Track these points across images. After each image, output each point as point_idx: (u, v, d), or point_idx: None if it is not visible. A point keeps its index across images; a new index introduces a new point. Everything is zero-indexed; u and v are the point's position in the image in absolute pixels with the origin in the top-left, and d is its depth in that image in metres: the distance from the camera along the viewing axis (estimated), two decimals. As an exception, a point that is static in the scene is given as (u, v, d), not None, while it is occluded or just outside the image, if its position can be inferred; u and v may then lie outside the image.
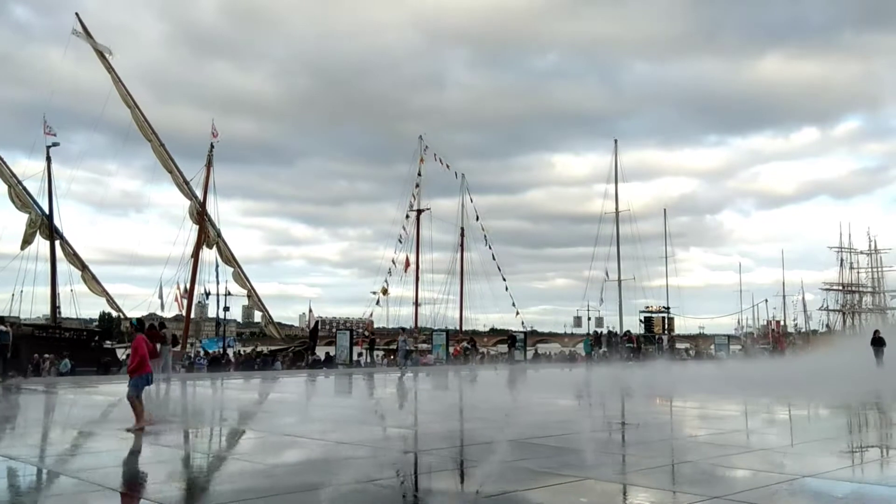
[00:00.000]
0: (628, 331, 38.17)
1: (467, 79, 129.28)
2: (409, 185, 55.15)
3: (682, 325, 61.95)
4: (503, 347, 45.43)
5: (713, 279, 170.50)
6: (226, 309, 37.22)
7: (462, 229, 57.33)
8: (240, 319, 42.60)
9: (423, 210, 55.04)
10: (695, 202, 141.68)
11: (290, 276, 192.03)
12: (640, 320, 54.57)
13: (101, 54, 43.44)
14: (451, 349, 35.09)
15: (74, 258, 41.69)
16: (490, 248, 56.53)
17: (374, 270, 54.92)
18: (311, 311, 45.78)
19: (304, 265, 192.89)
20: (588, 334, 36.82)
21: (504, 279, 56.97)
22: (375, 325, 62.03)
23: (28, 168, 41.88)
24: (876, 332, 28.36)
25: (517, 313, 57.58)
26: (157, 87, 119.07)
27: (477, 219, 57.01)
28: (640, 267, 56.65)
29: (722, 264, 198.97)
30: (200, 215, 45.24)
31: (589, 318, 47.74)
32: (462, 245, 57.31)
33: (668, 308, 56.95)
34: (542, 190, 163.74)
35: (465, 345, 36.35)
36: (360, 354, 33.83)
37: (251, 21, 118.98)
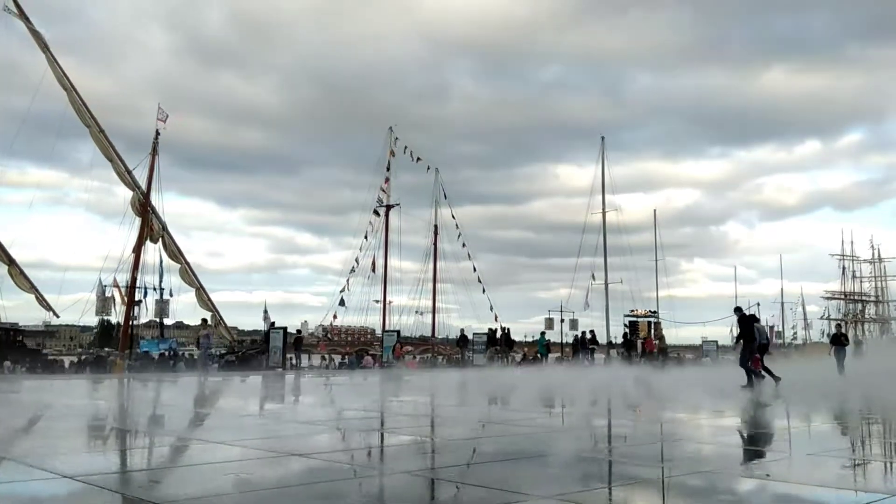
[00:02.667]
0: (592, 331, 34.74)
1: (471, 89, 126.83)
2: (381, 180, 52.14)
3: (676, 335, 59.14)
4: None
5: (717, 290, 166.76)
6: (138, 303, 33.68)
7: (435, 227, 54.25)
8: (152, 316, 38.75)
9: (393, 206, 51.90)
10: (699, 213, 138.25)
11: (296, 284, 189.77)
12: (625, 324, 51.60)
13: (35, 34, 40.34)
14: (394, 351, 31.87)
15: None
16: (464, 245, 53.48)
17: (379, 279, 52.30)
18: (266, 311, 42.21)
19: (310, 274, 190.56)
20: (542, 333, 33.35)
21: (480, 280, 54.06)
22: (378, 332, 59.03)
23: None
24: (838, 327, 24.19)
25: (496, 318, 54.60)
26: (164, 98, 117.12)
27: (453, 217, 54.00)
28: (642, 278, 54.70)
29: (726, 275, 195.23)
30: (143, 206, 41.97)
31: (562, 321, 44.63)
32: (435, 244, 54.20)
33: (655, 312, 53.84)
34: (546, 200, 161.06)
35: (408, 348, 33.00)
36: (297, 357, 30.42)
37: (257, 32, 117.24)
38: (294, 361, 30.24)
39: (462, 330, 34.12)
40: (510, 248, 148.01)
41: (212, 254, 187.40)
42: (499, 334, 32.52)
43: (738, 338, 17.29)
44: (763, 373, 16.46)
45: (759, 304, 67.82)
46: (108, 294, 38.87)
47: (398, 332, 35.32)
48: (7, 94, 41.83)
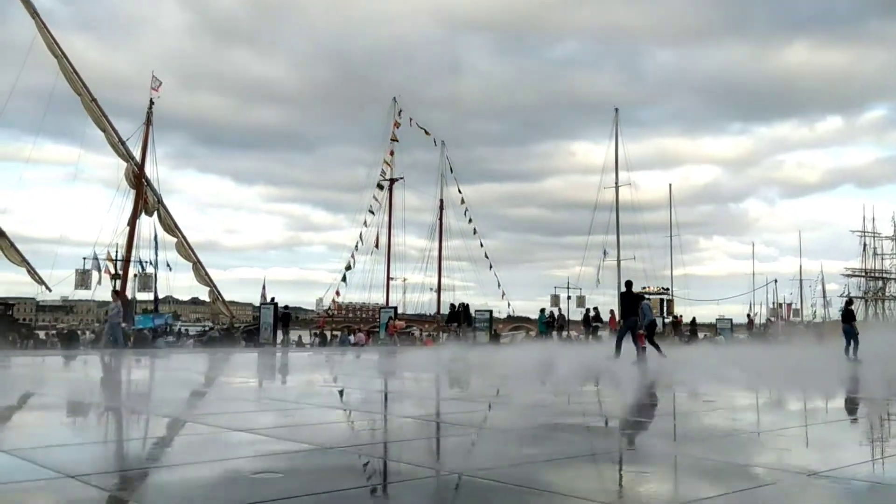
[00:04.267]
0: (595, 308, 33.17)
1: (485, 67, 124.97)
2: (383, 152, 50.52)
3: (691, 313, 57.84)
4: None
5: (736, 268, 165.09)
6: (116, 276, 32.36)
7: (441, 201, 52.83)
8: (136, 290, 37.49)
9: (397, 179, 50.39)
10: (718, 191, 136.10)
11: (312, 261, 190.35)
12: (637, 302, 50.21)
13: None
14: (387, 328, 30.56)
15: (-10, 224, 37.19)
16: (470, 221, 52.05)
17: (394, 257, 51.01)
18: (264, 287, 40.99)
19: (325, 251, 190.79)
20: (542, 310, 31.71)
21: (487, 256, 52.66)
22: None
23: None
24: (848, 301, 22.13)
25: (503, 295, 53.29)
26: (180, 76, 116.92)
27: (459, 191, 52.49)
28: (658, 256, 53.67)
29: (745, 253, 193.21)
30: (138, 178, 40.68)
31: (569, 297, 43.18)
32: (441, 219, 52.79)
33: (667, 289, 52.42)
34: (561, 178, 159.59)
35: (401, 324, 31.57)
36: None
37: (271, 9, 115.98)
38: (282, 338, 28.96)
39: (467, 306, 32.72)
40: (525, 227, 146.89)
41: (228, 231, 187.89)
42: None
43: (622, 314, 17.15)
44: (644, 348, 16.44)
45: (776, 282, 66.11)
46: (102, 268, 37.84)
47: (395, 308, 33.99)
48: (15, 69, 40.46)
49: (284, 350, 25.97)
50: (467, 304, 32.62)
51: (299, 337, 31.92)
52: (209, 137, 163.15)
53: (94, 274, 32.87)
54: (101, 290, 37.62)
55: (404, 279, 51.57)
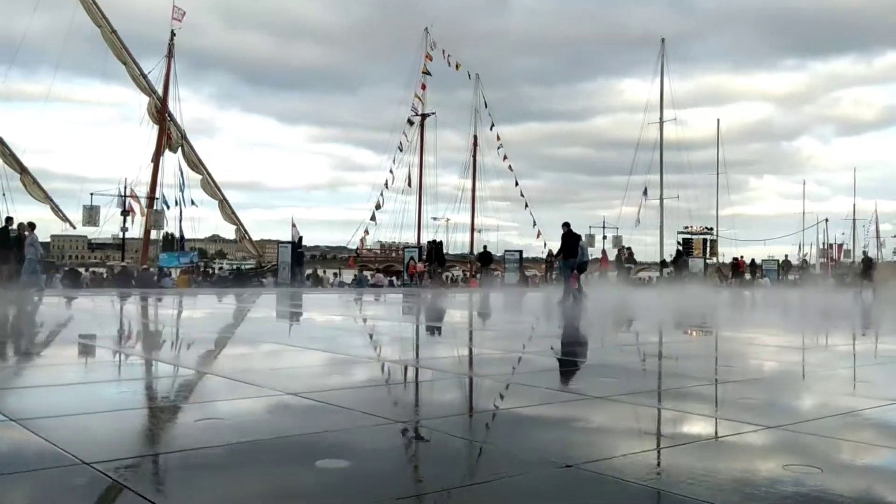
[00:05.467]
0: (629, 248, 31.19)
1: (531, 2, 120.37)
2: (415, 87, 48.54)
3: (736, 254, 56.01)
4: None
5: (787, 208, 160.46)
6: (125, 213, 31.49)
7: (475, 137, 50.97)
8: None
9: (428, 115, 48.54)
10: (770, 128, 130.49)
11: (356, 201, 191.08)
12: (678, 242, 48.56)
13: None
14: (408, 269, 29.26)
15: (11, 159, 36.63)
16: (505, 158, 50.19)
17: (435, 197, 49.91)
18: (294, 226, 39.89)
19: (369, 191, 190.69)
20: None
21: (522, 195, 50.97)
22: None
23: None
24: None
25: (538, 234, 51.73)
26: (224, 15, 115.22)
27: (491, 128, 50.45)
28: (705, 196, 52.13)
29: (796, 192, 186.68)
30: (161, 113, 39.62)
31: (604, 238, 41.33)
32: (475, 155, 51.01)
33: (711, 229, 50.40)
34: (609, 116, 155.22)
35: (421, 266, 30.11)
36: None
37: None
38: (297, 277, 27.91)
39: (485, 246, 31.08)
40: (570, 166, 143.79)
41: (273, 171, 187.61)
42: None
43: (559, 253, 17.44)
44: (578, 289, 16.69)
45: (827, 221, 63.16)
46: (128, 205, 37.12)
47: (420, 248, 32.68)
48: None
49: (290, 290, 24.88)
50: (440, 243, 31.26)
51: (308, 275, 30.69)
52: (253, 76, 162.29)
53: (107, 211, 31.84)
54: (138, 228, 37.62)
55: (447, 219, 50.02)
